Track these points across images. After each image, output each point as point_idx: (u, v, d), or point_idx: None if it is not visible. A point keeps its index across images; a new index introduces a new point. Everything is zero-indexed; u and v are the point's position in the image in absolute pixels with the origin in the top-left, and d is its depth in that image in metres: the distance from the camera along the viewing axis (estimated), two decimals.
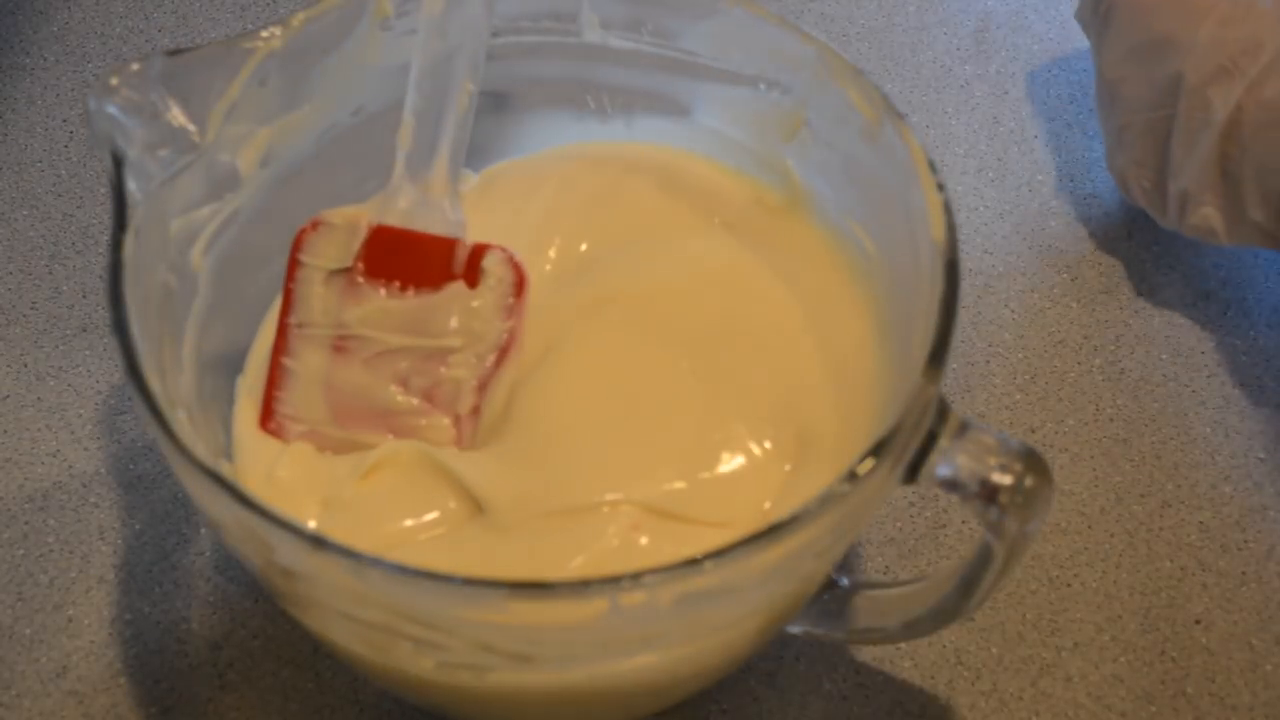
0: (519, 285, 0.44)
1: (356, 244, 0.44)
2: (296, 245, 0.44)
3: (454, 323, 0.44)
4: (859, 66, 0.42)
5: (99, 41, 0.64)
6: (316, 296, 0.44)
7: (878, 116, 0.41)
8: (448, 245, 0.44)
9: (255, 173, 0.44)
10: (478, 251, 0.44)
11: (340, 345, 0.44)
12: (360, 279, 0.44)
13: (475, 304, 0.44)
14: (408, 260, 0.44)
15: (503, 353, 0.44)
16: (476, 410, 0.44)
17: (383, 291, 0.44)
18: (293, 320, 0.44)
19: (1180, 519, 0.50)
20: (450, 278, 0.44)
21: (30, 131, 0.61)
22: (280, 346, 0.44)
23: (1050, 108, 0.63)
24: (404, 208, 0.44)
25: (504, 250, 0.44)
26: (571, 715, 0.42)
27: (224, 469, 0.41)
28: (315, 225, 0.44)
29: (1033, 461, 0.37)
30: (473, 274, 0.44)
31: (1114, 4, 0.53)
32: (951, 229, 0.38)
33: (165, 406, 0.36)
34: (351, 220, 0.44)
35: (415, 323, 0.44)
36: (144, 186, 0.39)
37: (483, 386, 0.44)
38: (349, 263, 0.44)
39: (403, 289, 0.44)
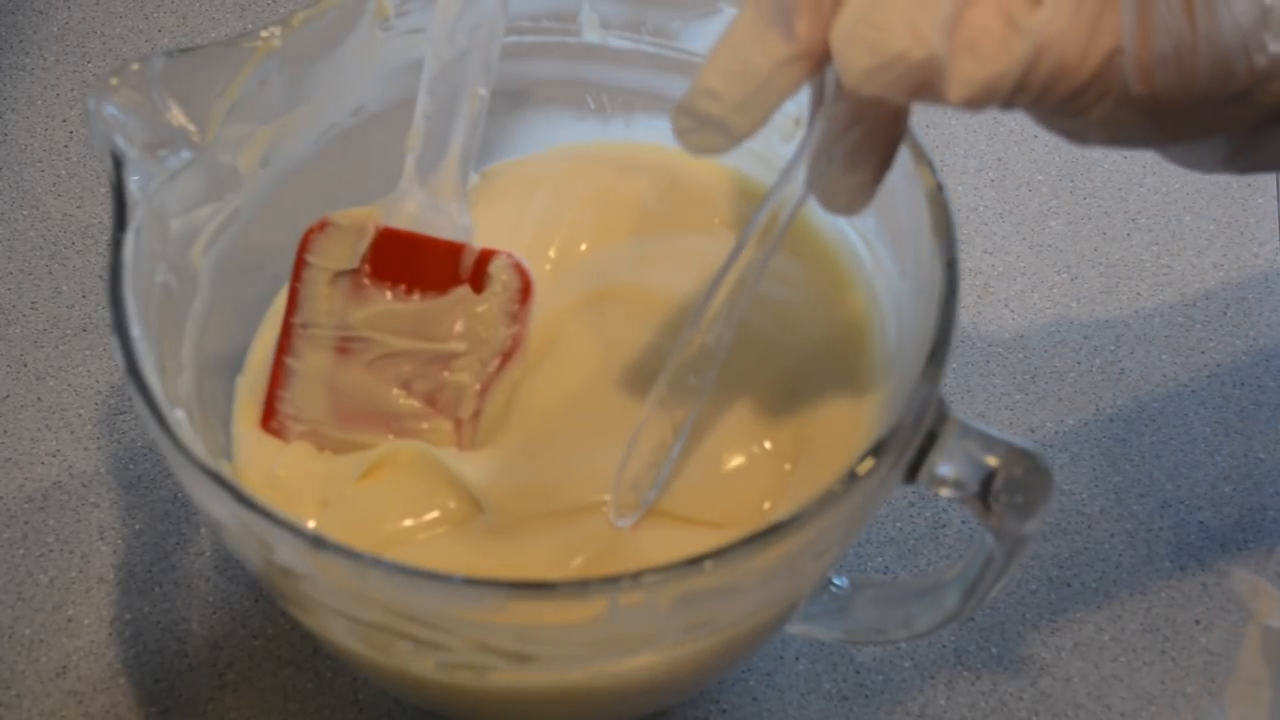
0: (524, 291, 0.44)
1: (363, 246, 0.44)
2: (303, 245, 0.44)
3: (458, 327, 0.44)
4: None
5: (99, 41, 0.64)
6: (322, 297, 0.44)
7: None
8: (454, 249, 0.44)
9: (255, 173, 0.44)
10: (484, 256, 0.44)
11: (344, 347, 0.44)
12: (366, 281, 0.44)
13: (480, 309, 0.44)
14: (414, 263, 0.44)
15: (506, 358, 0.44)
16: (478, 414, 0.44)
17: (388, 294, 0.44)
18: (297, 320, 0.44)
19: (1180, 519, 0.50)
20: (456, 282, 0.44)
21: (30, 131, 0.61)
22: (284, 346, 0.44)
23: None
24: (411, 211, 0.44)
25: (510, 256, 0.44)
26: (571, 715, 0.42)
27: (224, 469, 0.41)
28: (322, 226, 0.44)
29: (1032, 461, 0.37)
30: (479, 279, 0.44)
31: None
32: (951, 229, 0.38)
33: (165, 406, 0.36)
34: (359, 222, 0.44)
35: (420, 326, 0.44)
36: (144, 186, 0.39)
37: (485, 391, 0.44)
38: (355, 264, 0.44)
39: (408, 292, 0.44)
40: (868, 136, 0.35)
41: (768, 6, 0.33)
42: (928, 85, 0.32)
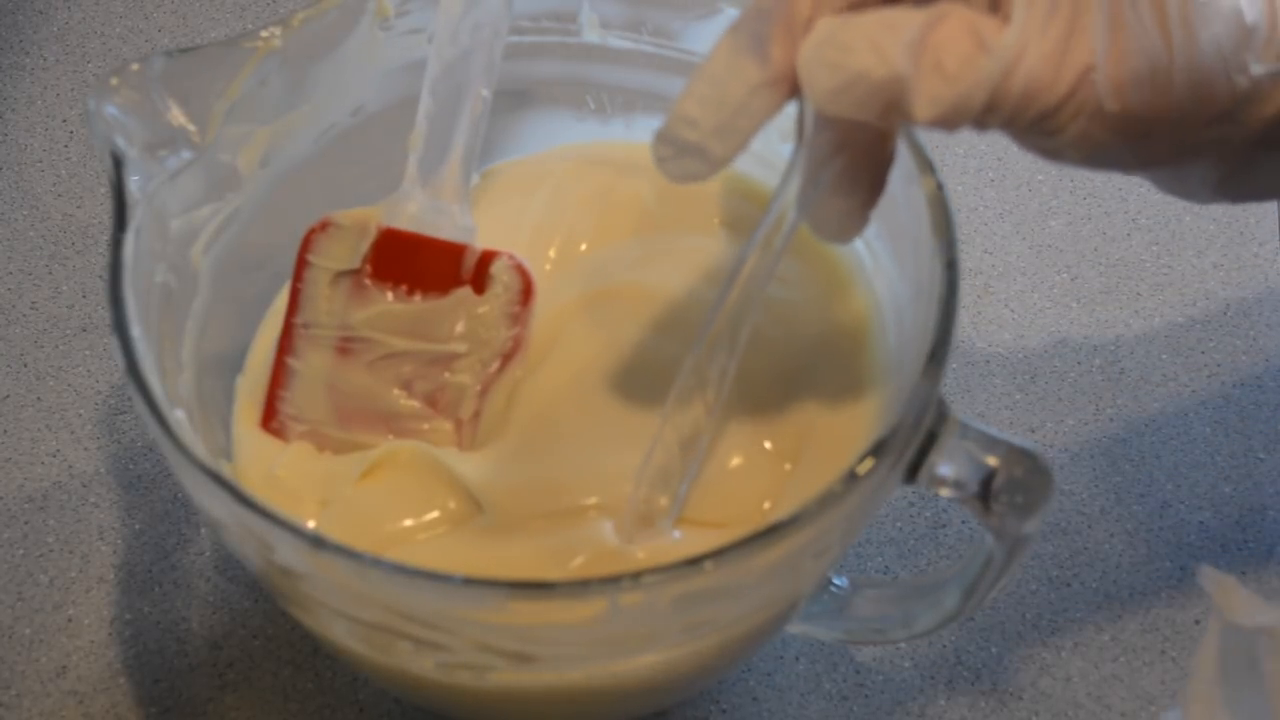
0: (526, 293, 0.44)
1: (365, 246, 0.44)
2: (305, 245, 0.44)
3: (460, 328, 0.44)
4: None
5: (99, 41, 0.64)
6: (323, 297, 0.44)
7: None
8: (456, 250, 0.44)
9: (255, 173, 0.44)
10: (486, 257, 0.44)
11: (345, 347, 0.44)
12: (367, 281, 0.44)
13: (481, 310, 0.44)
14: (416, 264, 0.44)
15: (506, 359, 0.44)
16: (478, 415, 0.44)
17: (389, 294, 0.44)
18: (298, 320, 0.44)
19: (1180, 519, 0.50)
20: (458, 283, 0.44)
21: (30, 131, 0.61)
22: (285, 346, 0.44)
23: None
24: (414, 211, 0.44)
25: (512, 257, 0.44)
26: (571, 715, 0.42)
27: (224, 469, 0.41)
28: (324, 226, 0.44)
29: (1032, 461, 0.37)
30: (480, 280, 0.44)
31: None
32: (951, 229, 0.38)
33: (165, 406, 0.36)
34: (360, 222, 0.44)
35: (421, 327, 0.44)
36: (144, 186, 0.40)
37: (485, 392, 0.44)
38: (357, 264, 0.44)
39: (410, 293, 0.44)
40: (853, 164, 0.36)
41: (744, 36, 0.34)
42: (895, 105, 0.32)
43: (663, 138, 0.35)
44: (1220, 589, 0.36)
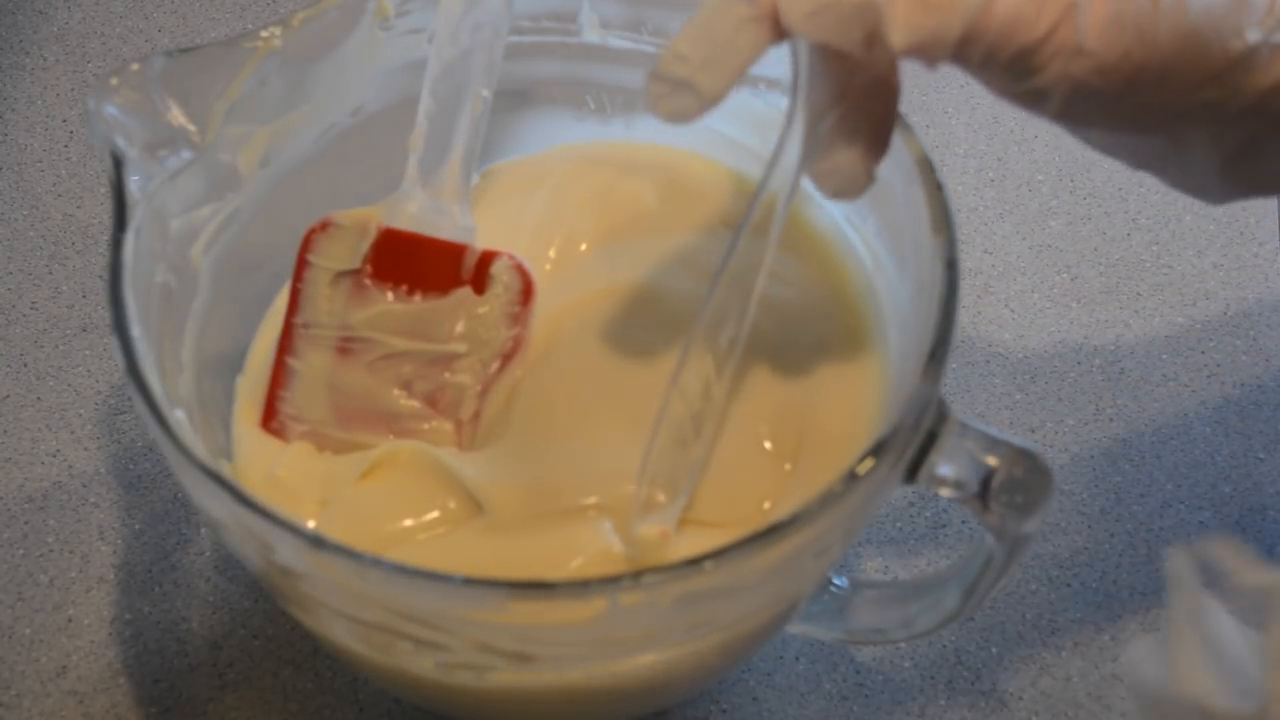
0: (526, 293, 0.44)
1: (365, 246, 0.44)
2: (305, 245, 0.44)
3: (460, 328, 0.44)
4: None
5: (99, 41, 0.64)
6: (323, 297, 0.44)
7: None
8: (456, 250, 0.44)
9: (255, 172, 0.44)
10: (486, 258, 0.44)
11: (345, 347, 0.44)
12: (368, 281, 0.44)
13: (482, 310, 0.44)
14: (416, 264, 0.44)
15: (506, 359, 0.44)
16: (478, 415, 0.44)
17: (390, 295, 0.44)
18: (298, 320, 0.44)
19: (1180, 519, 0.50)
20: (458, 283, 0.44)
21: (30, 131, 0.61)
22: (285, 346, 0.44)
23: None
24: (414, 211, 0.44)
25: (512, 257, 0.44)
26: (571, 715, 0.42)
27: (224, 469, 0.41)
28: (324, 226, 0.44)
29: (1032, 461, 0.37)
30: (480, 280, 0.44)
31: None
32: (951, 229, 0.38)
33: (165, 406, 0.36)
34: (361, 222, 0.44)
35: (421, 327, 0.44)
36: (144, 186, 0.40)
37: (485, 392, 0.44)
38: (357, 264, 0.44)
39: (410, 293, 0.44)
40: (852, 111, 0.36)
41: None
42: (875, 34, 0.32)
43: (656, 75, 0.36)
44: (1226, 551, 0.35)
